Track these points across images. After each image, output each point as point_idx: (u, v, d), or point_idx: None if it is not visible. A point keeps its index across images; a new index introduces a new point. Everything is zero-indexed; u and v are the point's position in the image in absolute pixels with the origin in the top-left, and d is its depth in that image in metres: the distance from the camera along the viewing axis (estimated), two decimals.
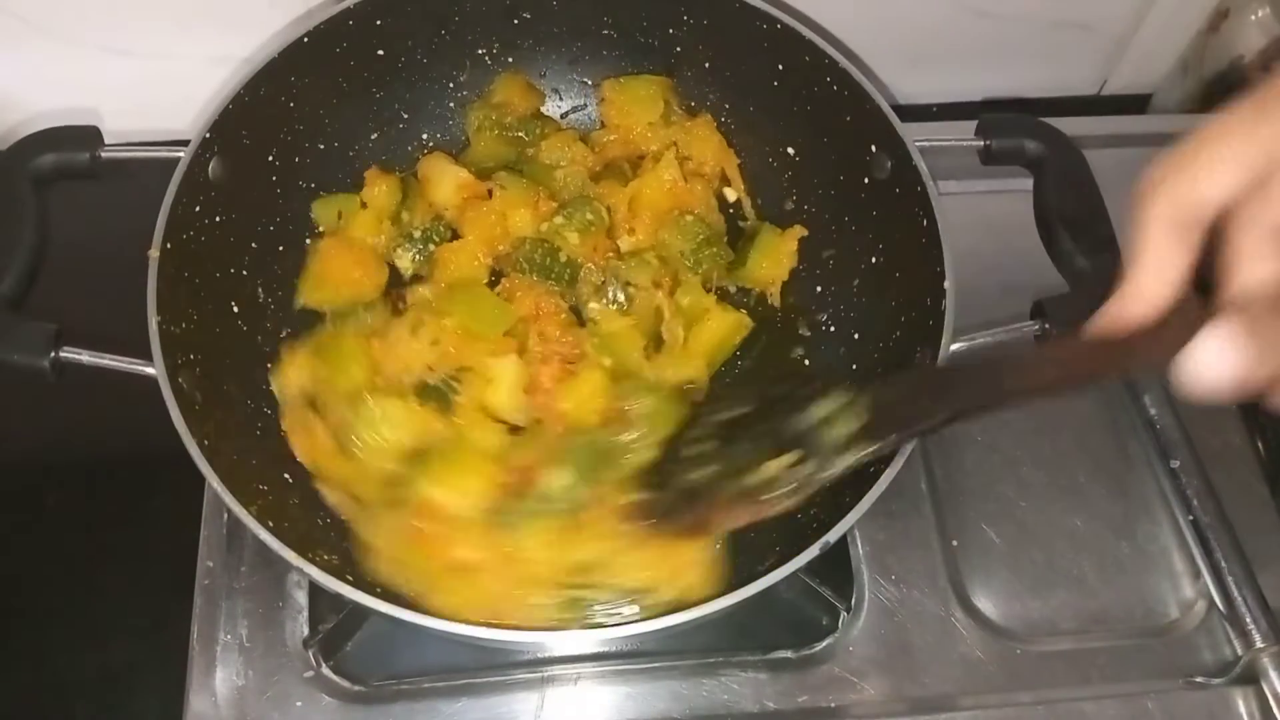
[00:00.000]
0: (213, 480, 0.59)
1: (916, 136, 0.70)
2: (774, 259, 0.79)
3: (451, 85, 0.83)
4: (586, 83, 0.85)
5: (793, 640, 0.72)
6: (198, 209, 0.69)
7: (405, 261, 0.78)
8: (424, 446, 0.67)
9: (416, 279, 0.77)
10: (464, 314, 0.72)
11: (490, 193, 0.78)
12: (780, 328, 0.80)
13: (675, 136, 0.81)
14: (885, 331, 0.73)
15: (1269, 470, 0.80)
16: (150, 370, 0.61)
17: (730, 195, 0.82)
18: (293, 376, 0.71)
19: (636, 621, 0.58)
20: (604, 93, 0.81)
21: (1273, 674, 0.70)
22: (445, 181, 0.78)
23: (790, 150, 0.81)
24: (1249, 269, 0.38)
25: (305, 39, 0.73)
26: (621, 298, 0.76)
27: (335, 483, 0.67)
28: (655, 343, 0.75)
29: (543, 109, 0.85)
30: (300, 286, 0.76)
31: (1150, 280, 0.41)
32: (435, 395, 0.70)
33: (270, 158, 0.76)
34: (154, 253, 0.65)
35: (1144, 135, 0.94)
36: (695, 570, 0.61)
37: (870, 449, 0.52)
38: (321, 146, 0.79)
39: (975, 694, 0.71)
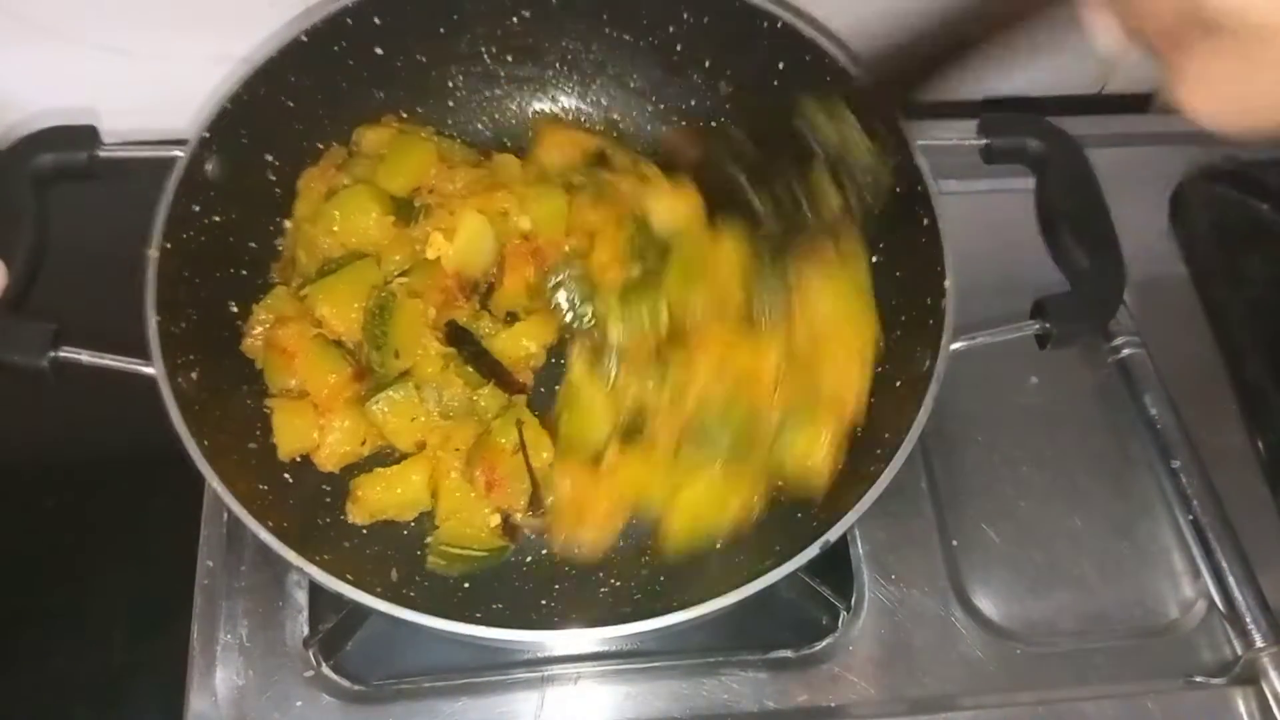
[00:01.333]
0: (213, 480, 0.59)
1: (917, 136, 0.70)
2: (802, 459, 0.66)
3: (451, 85, 0.83)
4: (587, 83, 0.85)
5: (793, 640, 0.72)
6: (196, 208, 0.69)
7: None
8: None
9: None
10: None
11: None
12: None
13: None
14: (885, 331, 0.73)
15: (1269, 470, 0.80)
16: (150, 370, 0.61)
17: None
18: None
19: (636, 621, 0.58)
20: None
21: (1273, 674, 0.70)
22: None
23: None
24: None
25: (304, 38, 0.73)
26: (613, 378, 0.68)
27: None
28: (626, 435, 0.68)
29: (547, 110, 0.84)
30: None
31: None
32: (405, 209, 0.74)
33: (269, 157, 0.76)
34: (153, 252, 0.65)
35: (1145, 135, 0.94)
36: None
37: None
38: (320, 146, 0.79)
39: (975, 694, 0.71)
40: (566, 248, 0.75)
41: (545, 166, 0.78)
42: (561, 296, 0.73)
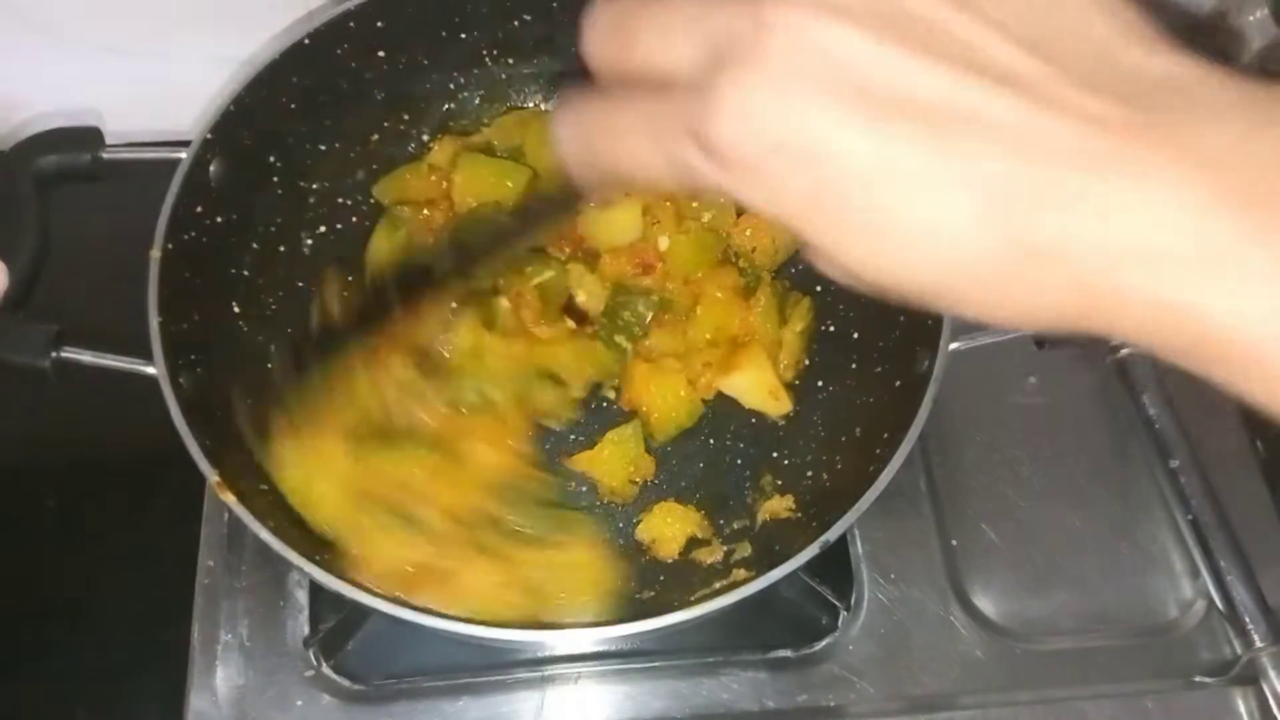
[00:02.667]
0: (213, 480, 0.59)
1: None
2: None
3: (453, 86, 0.83)
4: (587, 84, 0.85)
5: (793, 640, 0.72)
6: (199, 210, 0.69)
7: None
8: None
9: None
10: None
11: None
12: None
13: None
14: (885, 331, 0.73)
15: (1269, 470, 0.80)
16: (151, 370, 0.61)
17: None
18: None
19: (636, 621, 0.58)
20: None
21: (1273, 674, 0.70)
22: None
23: None
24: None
25: (306, 40, 0.73)
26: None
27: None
28: None
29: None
30: None
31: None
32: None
33: (271, 159, 0.76)
34: (155, 253, 0.65)
35: None
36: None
37: None
38: (323, 148, 0.79)
39: (975, 694, 0.71)
40: (670, 286, 0.76)
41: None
42: (624, 315, 0.74)
